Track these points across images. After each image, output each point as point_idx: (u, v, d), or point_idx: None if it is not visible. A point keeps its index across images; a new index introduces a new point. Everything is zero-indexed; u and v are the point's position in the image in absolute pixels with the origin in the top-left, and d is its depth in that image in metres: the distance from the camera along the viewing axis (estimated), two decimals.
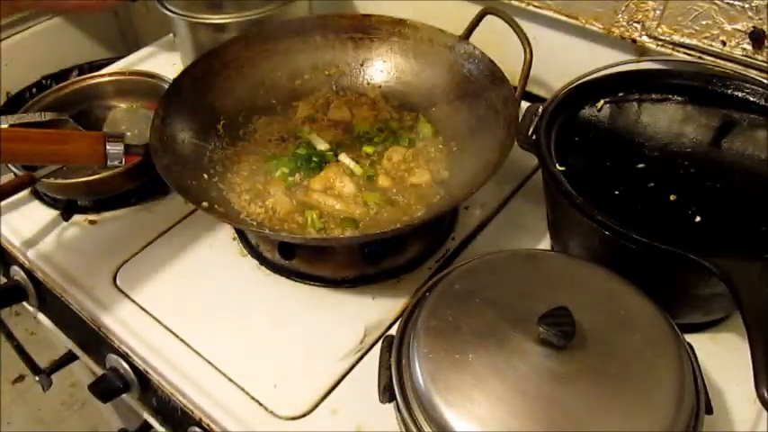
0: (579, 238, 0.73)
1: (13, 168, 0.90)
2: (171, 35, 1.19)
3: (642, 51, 0.92)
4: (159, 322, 0.78)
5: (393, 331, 0.77)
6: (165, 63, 1.22)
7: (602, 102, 0.80)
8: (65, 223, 0.92)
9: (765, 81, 0.78)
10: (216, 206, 0.80)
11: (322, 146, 0.90)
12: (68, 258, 0.87)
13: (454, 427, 0.51)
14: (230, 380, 0.72)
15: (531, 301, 0.57)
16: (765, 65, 0.80)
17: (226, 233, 0.89)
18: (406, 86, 0.99)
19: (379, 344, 0.75)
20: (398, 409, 0.56)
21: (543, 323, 0.53)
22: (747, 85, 0.78)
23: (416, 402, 0.54)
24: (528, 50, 0.85)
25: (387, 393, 0.58)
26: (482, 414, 0.51)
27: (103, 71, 1.12)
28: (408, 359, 0.56)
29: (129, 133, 0.98)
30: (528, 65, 0.86)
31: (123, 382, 0.82)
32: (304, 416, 0.69)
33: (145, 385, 0.80)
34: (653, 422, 0.51)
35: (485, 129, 0.85)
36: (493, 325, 0.56)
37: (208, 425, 0.71)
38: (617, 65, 0.81)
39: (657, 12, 0.86)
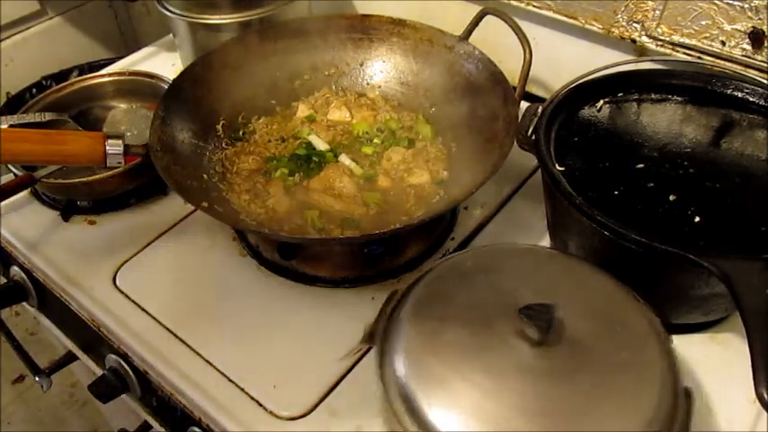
0: (579, 238, 0.73)
1: (13, 168, 0.90)
2: (171, 35, 1.19)
3: (642, 51, 0.92)
4: (159, 322, 0.78)
5: None
6: (165, 63, 1.22)
7: (601, 102, 0.80)
8: (65, 223, 0.92)
9: (765, 81, 0.78)
10: (216, 206, 0.80)
11: (322, 146, 0.90)
12: (68, 258, 0.87)
13: (432, 420, 0.50)
14: (230, 380, 0.72)
15: (518, 295, 0.56)
16: (765, 65, 0.80)
17: (225, 233, 0.89)
18: (406, 87, 0.99)
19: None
20: (385, 409, 0.56)
21: (523, 315, 0.53)
22: (747, 86, 0.78)
23: (401, 402, 0.53)
24: (528, 50, 0.85)
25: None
26: (460, 407, 0.51)
27: (103, 71, 1.12)
28: (392, 358, 0.56)
29: (128, 133, 0.99)
30: (527, 65, 0.86)
31: (123, 382, 0.82)
32: (304, 416, 0.69)
33: (145, 385, 0.80)
34: (631, 421, 0.51)
35: (484, 129, 0.85)
36: (476, 318, 0.56)
37: (207, 425, 0.71)
38: (616, 65, 0.81)
39: (657, 12, 0.86)
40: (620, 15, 0.89)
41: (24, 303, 0.97)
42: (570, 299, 0.57)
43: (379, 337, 0.59)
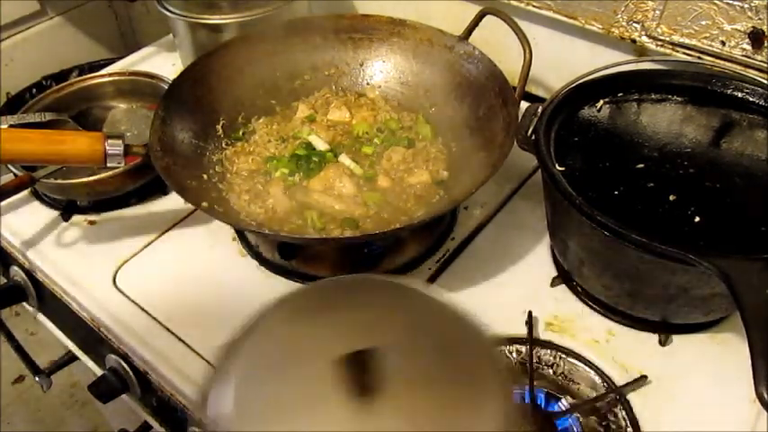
0: (579, 239, 0.73)
1: (13, 168, 0.90)
2: (171, 35, 1.19)
3: (642, 51, 0.92)
4: (159, 322, 0.79)
5: None
6: (165, 63, 1.22)
7: (601, 102, 0.80)
8: (65, 223, 0.92)
9: (765, 81, 0.78)
10: (216, 206, 0.80)
11: (322, 146, 0.90)
12: (68, 258, 0.87)
13: None
14: None
15: (341, 342, 0.47)
16: (765, 65, 0.80)
17: (225, 233, 0.89)
18: (406, 87, 0.99)
19: None
20: None
21: (342, 367, 0.44)
22: (747, 86, 0.78)
23: None
24: (527, 50, 0.85)
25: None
26: None
27: (103, 71, 1.12)
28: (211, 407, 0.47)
29: (128, 133, 0.99)
30: (527, 65, 0.86)
31: (123, 382, 0.82)
32: None
33: (145, 385, 0.80)
34: None
35: (484, 129, 0.85)
36: (295, 373, 0.47)
37: None
38: (616, 65, 0.81)
39: (657, 12, 0.86)
40: (620, 15, 0.89)
41: (24, 303, 0.97)
42: (400, 340, 0.49)
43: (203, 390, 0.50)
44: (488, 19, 0.91)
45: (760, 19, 0.78)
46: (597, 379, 0.72)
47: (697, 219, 0.65)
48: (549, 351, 0.74)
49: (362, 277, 0.62)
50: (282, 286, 0.82)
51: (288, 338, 0.50)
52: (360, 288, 0.56)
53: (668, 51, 0.87)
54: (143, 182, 0.93)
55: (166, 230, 0.90)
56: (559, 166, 0.71)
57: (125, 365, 0.81)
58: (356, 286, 0.57)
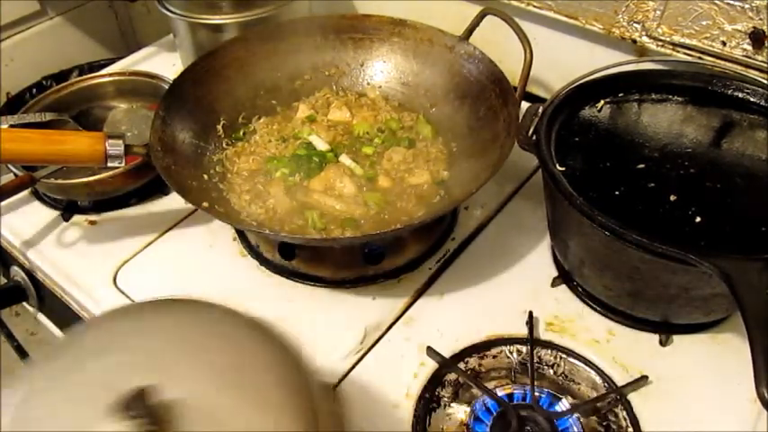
0: (579, 239, 0.73)
1: (13, 169, 0.90)
2: (171, 35, 1.19)
3: (642, 52, 0.92)
4: None
5: (391, 333, 0.77)
6: (165, 63, 1.22)
7: (602, 102, 0.80)
8: (65, 223, 0.92)
9: (765, 81, 0.78)
10: (216, 206, 0.80)
11: (322, 146, 0.90)
12: (68, 258, 0.87)
13: None
14: None
15: (118, 383, 0.42)
16: (765, 65, 0.80)
17: (226, 233, 0.89)
18: (406, 87, 0.99)
19: (380, 344, 0.75)
20: None
21: (122, 414, 0.40)
22: (747, 86, 0.78)
23: None
24: (528, 50, 0.85)
25: None
26: None
27: (103, 71, 1.12)
28: None
29: (129, 133, 0.99)
30: (528, 65, 0.86)
31: None
32: None
33: None
34: None
35: (485, 129, 0.85)
36: (75, 421, 0.41)
37: None
38: (617, 65, 0.81)
39: (658, 12, 0.86)
40: (620, 15, 0.89)
41: (24, 303, 0.97)
42: (186, 367, 0.45)
43: None
44: (489, 19, 0.91)
45: (761, 19, 0.78)
46: (598, 379, 0.72)
47: (698, 219, 0.65)
48: (549, 351, 0.74)
49: (157, 302, 0.56)
50: (283, 286, 0.82)
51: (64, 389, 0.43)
52: (149, 315, 0.52)
53: (669, 52, 0.87)
54: (143, 182, 0.93)
55: (167, 230, 0.90)
56: (560, 166, 0.71)
57: None
58: (146, 313, 0.52)
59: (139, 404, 0.40)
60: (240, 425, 0.42)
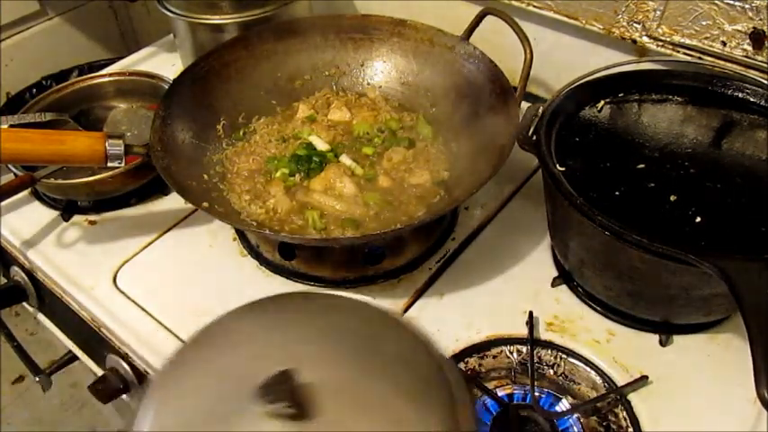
0: (579, 239, 0.73)
1: (13, 169, 0.90)
2: (171, 35, 1.19)
3: (642, 52, 0.92)
4: (159, 322, 0.78)
5: None
6: (165, 63, 1.22)
7: (602, 102, 0.80)
8: (65, 223, 0.92)
9: (765, 82, 0.78)
10: (216, 206, 0.80)
11: (322, 146, 0.90)
12: (68, 258, 0.87)
13: None
14: None
15: (258, 369, 0.44)
16: (765, 65, 0.80)
17: (226, 233, 0.89)
18: (407, 87, 0.99)
19: None
20: None
21: (265, 397, 0.42)
22: (748, 86, 0.78)
23: None
24: (528, 50, 0.85)
25: None
26: None
27: (103, 71, 1.12)
28: None
29: (129, 133, 0.98)
30: (528, 65, 0.86)
31: (123, 382, 0.82)
32: None
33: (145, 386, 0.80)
34: None
35: (485, 129, 0.85)
36: (220, 406, 0.44)
37: None
38: (617, 65, 0.81)
39: (658, 12, 0.86)
40: (620, 16, 0.89)
41: (24, 303, 0.97)
42: (323, 353, 0.46)
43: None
44: (489, 19, 0.91)
45: (761, 19, 0.78)
46: (598, 379, 0.72)
47: (698, 219, 0.65)
48: (549, 351, 0.74)
49: (296, 294, 0.59)
50: (283, 286, 0.82)
51: (211, 371, 0.47)
52: (290, 306, 0.54)
53: (669, 52, 0.87)
54: (143, 182, 0.93)
55: (167, 230, 0.90)
56: (560, 166, 0.71)
57: (125, 365, 0.81)
58: (288, 304, 0.54)
59: (282, 387, 0.42)
60: (380, 408, 0.43)
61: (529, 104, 0.80)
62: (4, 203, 0.91)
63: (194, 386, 0.46)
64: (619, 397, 0.69)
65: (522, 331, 0.75)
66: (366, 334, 0.49)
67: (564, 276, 0.81)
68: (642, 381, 0.70)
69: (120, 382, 0.82)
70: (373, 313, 0.52)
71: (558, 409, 0.69)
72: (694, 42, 0.85)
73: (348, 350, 0.47)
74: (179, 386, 0.47)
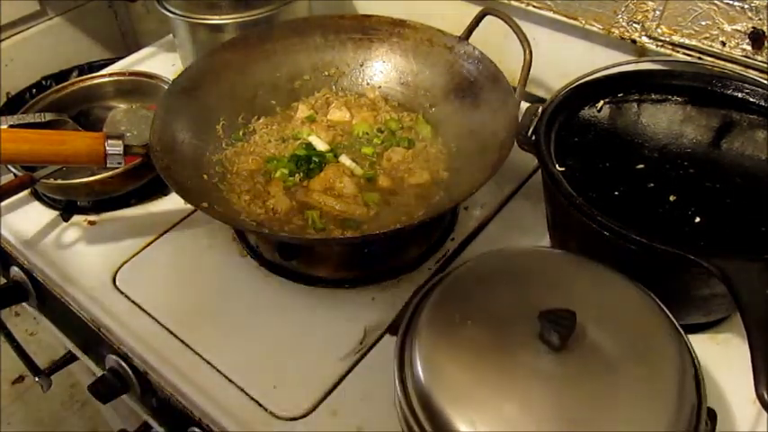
0: (579, 239, 0.73)
1: (13, 169, 0.90)
2: (171, 35, 1.19)
3: (642, 52, 0.92)
4: (159, 323, 0.78)
5: None
6: (165, 63, 1.22)
7: (601, 102, 0.80)
8: (64, 224, 0.92)
9: (765, 81, 0.78)
10: (216, 206, 0.80)
11: (322, 146, 0.90)
12: (68, 259, 0.87)
13: (454, 427, 0.51)
14: (230, 380, 0.72)
15: (538, 300, 0.56)
16: (765, 65, 0.80)
17: (225, 234, 0.89)
18: (406, 87, 0.99)
19: (379, 344, 0.75)
20: (400, 407, 0.56)
21: (543, 321, 0.52)
22: (747, 86, 0.78)
23: (417, 400, 0.54)
24: (528, 51, 0.85)
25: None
26: (481, 414, 0.51)
27: (103, 71, 1.12)
28: (411, 357, 0.56)
29: (128, 134, 0.98)
30: (528, 65, 0.86)
31: (123, 382, 0.82)
32: (304, 416, 0.69)
33: (145, 386, 0.80)
34: (653, 423, 0.50)
35: (484, 129, 0.85)
36: (496, 321, 0.56)
37: (207, 425, 0.71)
38: (617, 65, 0.81)
39: (657, 12, 0.86)
40: (620, 16, 0.89)
41: (24, 303, 0.97)
42: (592, 305, 0.57)
43: (401, 332, 0.59)
44: (488, 19, 0.91)
45: (760, 19, 0.78)
46: None
47: (697, 219, 0.65)
48: None
49: (546, 251, 0.72)
50: (283, 286, 0.82)
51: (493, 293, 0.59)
52: (546, 259, 0.65)
53: (668, 52, 0.87)
54: (143, 182, 0.93)
55: (166, 231, 0.90)
56: (560, 166, 0.71)
57: (125, 365, 0.81)
58: (540, 257, 0.66)
59: (561, 319, 0.52)
60: (627, 376, 0.52)
61: (529, 104, 0.80)
62: (3, 203, 0.91)
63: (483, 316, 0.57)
64: None
65: None
66: (628, 308, 0.59)
67: None
68: None
69: (120, 382, 0.82)
70: (615, 275, 0.61)
71: None
72: (694, 42, 0.85)
73: (615, 315, 0.57)
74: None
